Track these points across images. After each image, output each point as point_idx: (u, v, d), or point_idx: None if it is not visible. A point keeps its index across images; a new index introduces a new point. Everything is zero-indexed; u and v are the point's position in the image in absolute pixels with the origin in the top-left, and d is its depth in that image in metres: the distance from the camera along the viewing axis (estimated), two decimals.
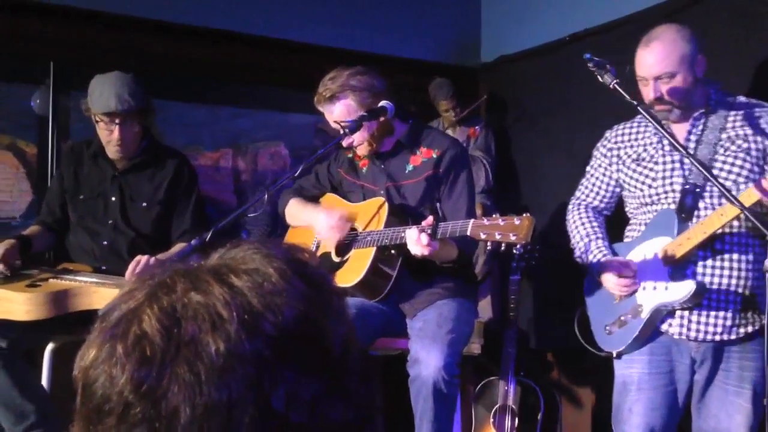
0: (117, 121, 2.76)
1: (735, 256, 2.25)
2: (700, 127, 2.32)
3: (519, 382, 3.46)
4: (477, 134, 4.03)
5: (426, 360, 2.41)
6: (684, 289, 2.23)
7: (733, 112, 2.31)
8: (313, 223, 2.75)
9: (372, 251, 2.54)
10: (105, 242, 2.87)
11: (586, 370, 3.71)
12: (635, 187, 2.42)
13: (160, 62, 3.62)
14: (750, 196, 2.10)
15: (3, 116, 3.43)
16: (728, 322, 2.26)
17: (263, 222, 3.68)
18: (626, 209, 2.54)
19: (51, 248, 3.09)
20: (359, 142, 2.63)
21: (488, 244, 2.27)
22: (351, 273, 2.59)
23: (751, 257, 2.26)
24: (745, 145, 2.26)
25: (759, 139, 2.26)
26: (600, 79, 2.21)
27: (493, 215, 2.24)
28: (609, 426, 2.52)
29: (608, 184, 2.55)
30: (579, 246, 2.54)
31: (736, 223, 2.24)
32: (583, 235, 2.53)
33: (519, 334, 3.51)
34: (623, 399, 2.42)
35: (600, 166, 2.56)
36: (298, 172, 2.35)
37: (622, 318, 2.37)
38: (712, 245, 2.26)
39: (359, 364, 0.67)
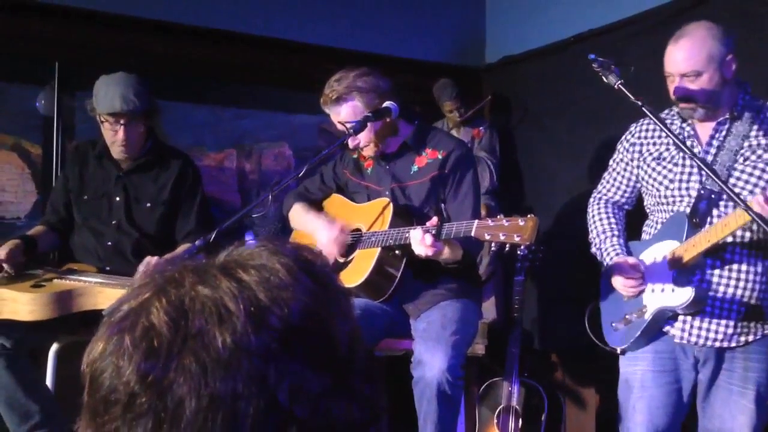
0: (122, 121, 2.76)
1: (744, 267, 2.24)
2: (723, 133, 2.29)
3: (523, 383, 3.46)
4: (481, 135, 4.03)
5: (430, 362, 2.40)
6: (683, 295, 2.23)
7: (759, 120, 2.27)
8: (314, 235, 2.75)
9: (376, 252, 2.54)
10: (109, 242, 2.87)
11: (590, 371, 3.71)
12: (652, 186, 2.41)
13: (161, 62, 3.63)
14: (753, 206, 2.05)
15: (8, 117, 3.44)
16: (729, 330, 2.26)
17: (272, 221, 3.68)
18: (645, 204, 2.52)
19: (56, 248, 3.09)
20: (365, 143, 2.64)
21: (492, 244, 2.26)
22: (355, 273, 2.59)
23: (760, 269, 2.25)
24: (766, 156, 2.23)
25: None
26: (605, 79, 2.19)
27: (498, 216, 2.25)
28: (613, 427, 2.52)
29: (629, 180, 2.53)
30: (595, 242, 2.54)
31: (748, 234, 2.23)
32: (600, 231, 2.53)
33: (523, 335, 3.52)
34: (627, 397, 2.42)
35: (622, 161, 2.53)
36: (303, 172, 2.35)
37: (628, 317, 2.37)
38: (722, 254, 2.24)
39: (365, 364, 0.67)
